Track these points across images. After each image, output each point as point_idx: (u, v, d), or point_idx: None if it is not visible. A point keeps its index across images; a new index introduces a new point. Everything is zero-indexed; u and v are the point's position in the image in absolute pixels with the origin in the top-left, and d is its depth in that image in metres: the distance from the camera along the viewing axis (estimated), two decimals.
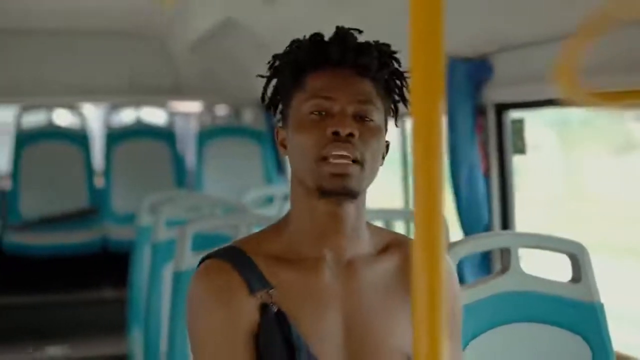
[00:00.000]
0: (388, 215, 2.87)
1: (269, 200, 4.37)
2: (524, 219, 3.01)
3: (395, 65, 1.41)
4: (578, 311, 1.94)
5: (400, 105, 1.45)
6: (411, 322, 1.41)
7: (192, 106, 5.93)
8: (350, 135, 1.33)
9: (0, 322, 4.72)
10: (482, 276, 2.65)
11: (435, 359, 0.75)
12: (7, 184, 5.47)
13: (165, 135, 5.62)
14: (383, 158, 1.41)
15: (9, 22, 5.33)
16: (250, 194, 4.26)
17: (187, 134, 6.11)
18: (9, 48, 5.58)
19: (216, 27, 4.33)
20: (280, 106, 1.44)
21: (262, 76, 1.44)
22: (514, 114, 2.75)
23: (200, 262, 1.40)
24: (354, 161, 1.33)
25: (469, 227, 2.77)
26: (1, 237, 5.15)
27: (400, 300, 1.40)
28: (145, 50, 5.70)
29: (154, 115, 5.83)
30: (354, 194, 1.35)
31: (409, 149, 3.83)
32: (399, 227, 2.89)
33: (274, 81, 1.44)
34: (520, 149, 2.73)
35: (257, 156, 5.40)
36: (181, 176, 5.57)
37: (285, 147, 1.42)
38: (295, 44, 1.42)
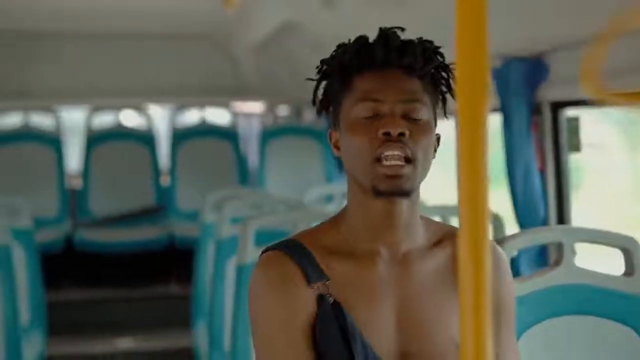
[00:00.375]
0: (444, 211, 2.91)
1: (329, 198, 4.43)
2: (584, 217, 3.02)
3: (440, 59, 1.43)
4: (630, 304, 1.94)
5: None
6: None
7: (255, 106, 6.02)
8: (401, 134, 1.36)
9: (72, 316, 4.84)
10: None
11: (481, 349, 0.78)
12: (77, 183, 5.62)
13: (228, 135, 5.72)
14: (435, 151, 1.44)
15: (79, 26, 5.49)
16: (311, 192, 4.32)
17: (249, 133, 6.20)
18: (79, 51, 5.73)
19: (277, 30, 4.39)
20: (330, 109, 1.47)
21: (311, 79, 1.48)
22: (570, 112, 2.78)
23: (261, 255, 1.46)
24: (407, 160, 1.36)
25: (525, 223, 2.81)
26: (72, 234, 5.29)
27: (453, 291, 1.44)
28: (209, 52, 5.80)
29: (218, 116, 5.93)
30: (407, 193, 1.39)
31: None
32: (455, 223, 2.92)
33: (323, 84, 1.47)
34: (576, 147, 2.75)
35: (317, 155, 5.45)
36: (244, 175, 5.66)
37: (338, 148, 1.45)
38: (342, 48, 1.45)
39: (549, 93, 2.72)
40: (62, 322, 4.62)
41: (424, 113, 1.40)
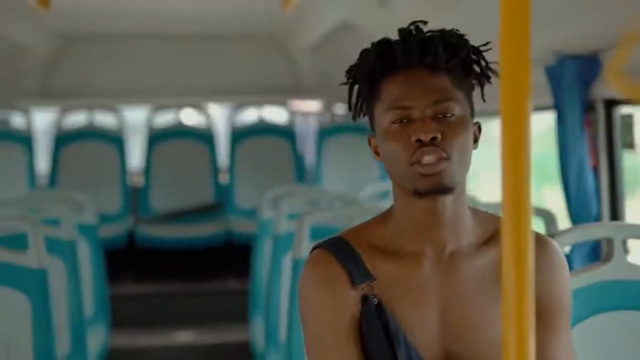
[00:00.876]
0: (497, 209, 2.91)
1: (384, 195, 4.46)
2: None
3: (466, 48, 1.40)
4: None
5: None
6: None
7: (312, 105, 6.07)
8: (434, 138, 1.35)
9: (133, 310, 4.94)
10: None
11: (523, 347, 0.80)
12: (139, 181, 5.74)
13: (286, 133, 5.77)
14: (476, 141, 1.43)
15: (141, 27, 5.60)
16: (366, 190, 4.35)
17: (306, 132, 6.26)
18: (141, 52, 5.84)
19: (333, 29, 4.43)
20: (365, 114, 1.47)
21: (344, 84, 1.47)
22: (624, 110, 2.77)
23: (311, 252, 1.49)
24: (443, 159, 1.36)
25: (578, 220, 2.81)
26: (134, 229, 5.42)
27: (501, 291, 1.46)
28: (268, 52, 5.85)
29: (275, 115, 6.00)
30: (448, 190, 1.38)
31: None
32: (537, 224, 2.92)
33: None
34: (629, 144, 2.75)
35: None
36: (301, 172, 5.71)
37: (378, 154, 1.45)
38: (365, 54, 1.43)
39: (602, 90, 2.72)
40: (124, 315, 4.72)
41: (456, 109, 1.38)
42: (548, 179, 4.22)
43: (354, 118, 1.49)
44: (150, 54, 5.82)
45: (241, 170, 5.67)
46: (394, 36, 1.43)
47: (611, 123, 2.78)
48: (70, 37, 5.63)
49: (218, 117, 6.23)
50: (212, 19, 5.32)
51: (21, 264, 2.66)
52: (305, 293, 1.45)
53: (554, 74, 2.81)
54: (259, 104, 5.80)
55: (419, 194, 1.38)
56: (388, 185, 4.71)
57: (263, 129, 5.77)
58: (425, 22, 1.42)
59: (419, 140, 1.36)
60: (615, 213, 2.83)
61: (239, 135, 5.74)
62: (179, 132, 5.75)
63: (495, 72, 1.42)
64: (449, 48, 1.39)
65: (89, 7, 4.85)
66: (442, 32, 1.40)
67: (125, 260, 5.39)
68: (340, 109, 5.87)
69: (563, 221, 2.89)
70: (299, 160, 5.75)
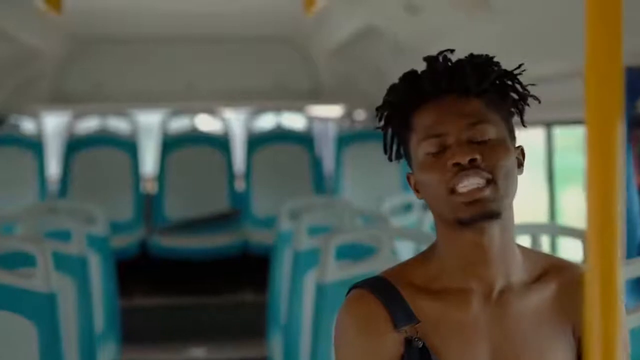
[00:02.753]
0: (532, 230, 2.77)
1: (407, 208, 4.33)
2: None
3: (497, 70, 1.35)
4: None
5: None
6: (567, 353, 1.36)
7: (331, 111, 5.95)
8: (472, 160, 1.29)
9: (145, 323, 4.84)
10: (635, 302, 2.52)
11: None
12: (152, 187, 5.63)
13: (304, 139, 5.65)
14: (521, 166, 1.36)
15: (156, 30, 5.50)
16: (389, 202, 4.23)
17: (325, 138, 6.14)
18: (156, 55, 5.75)
19: (357, 33, 4.32)
20: (402, 151, 1.42)
21: (378, 128, 1.43)
22: None
23: (349, 291, 1.41)
24: (486, 181, 1.29)
25: (621, 243, 2.64)
26: (147, 239, 5.30)
27: (556, 331, 1.36)
28: (286, 55, 5.75)
29: (294, 120, 5.88)
30: (494, 216, 1.30)
31: (555, 155, 3.69)
32: (545, 243, 2.78)
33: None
34: None
35: (395, 162, 5.34)
36: (319, 180, 5.59)
37: (418, 191, 1.39)
38: (392, 89, 1.39)
39: None
40: (136, 328, 4.65)
41: (492, 132, 1.32)
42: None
43: (390, 159, 1.44)
44: (165, 57, 5.73)
45: (258, 178, 5.55)
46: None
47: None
48: (82, 40, 5.54)
49: (234, 122, 6.09)
50: (228, 20, 5.23)
51: (28, 288, 2.53)
52: (344, 337, 1.38)
53: None
54: (277, 109, 5.68)
55: (462, 223, 1.31)
56: (411, 196, 4.61)
57: (281, 135, 5.66)
58: (452, 51, 1.37)
59: (456, 165, 1.30)
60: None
61: (256, 141, 5.63)
62: (194, 137, 5.64)
63: (533, 96, 1.38)
64: (478, 71, 1.34)
65: (101, 9, 4.75)
66: (471, 56, 1.36)
67: (138, 271, 5.29)
68: (361, 115, 5.75)
69: None
70: (317, 167, 5.64)
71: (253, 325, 4.59)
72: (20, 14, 4.07)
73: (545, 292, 1.37)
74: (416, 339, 1.33)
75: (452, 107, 1.33)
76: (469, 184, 1.28)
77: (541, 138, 3.66)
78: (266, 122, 5.78)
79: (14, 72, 5.25)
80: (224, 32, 5.59)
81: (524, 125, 1.37)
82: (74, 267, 3.22)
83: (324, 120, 6.20)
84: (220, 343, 4.72)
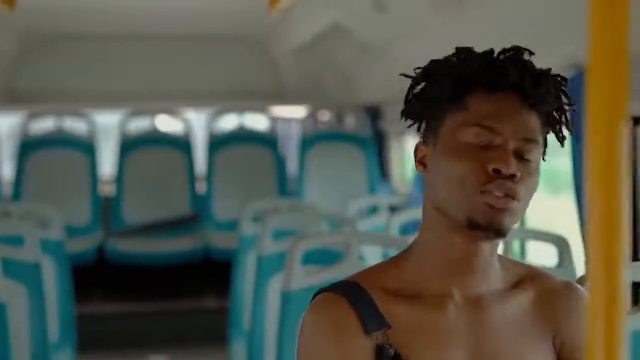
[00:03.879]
0: (537, 236, 2.72)
1: (372, 211, 4.26)
2: None
3: (564, 99, 1.28)
4: None
5: None
6: None
7: (295, 111, 5.90)
8: (512, 176, 1.22)
9: (104, 330, 4.76)
10: None
11: None
12: (111, 190, 5.52)
13: (267, 141, 5.59)
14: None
15: (115, 28, 5.41)
16: (355, 204, 4.15)
17: (289, 139, 6.09)
18: (114, 54, 5.66)
19: (322, 33, 4.27)
20: (423, 120, 1.31)
21: (407, 76, 1.31)
22: None
23: (315, 295, 1.34)
24: (516, 199, 1.24)
25: None
26: (104, 244, 5.19)
27: (535, 338, 1.32)
28: (248, 54, 5.71)
29: (257, 121, 5.81)
30: (503, 233, 1.24)
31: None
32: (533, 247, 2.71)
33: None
34: None
35: (360, 163, 5.31)
36: (283, 182, 5.53)
37: (424, 166, 1.30)
38: (462, 54, 1.28)
39: (630, 107, 2.50)
40: (92, 336, 4.52)
41: (536, 155, 1.26)
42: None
43: (404, 117, 1.33)
44: (124, 56, 5.65)
45: (220, 180, 5.47)
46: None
47: (636, 142, 2.57)
48: (36, 38, 5.43)
49: (196, 123, 6.00)
50: (190, 19, 5.16)
51: None
52: (310, 343, 1.30)
53: (572, 87, 2.57)
54: (240, 109, 5.61)
55: (471, 226, 1.24)
56: (377, 199, 4.53)
57: (243, 136, 5.58)
58: (532, 53, 1.28)
59: (496, 171, 1.22)
60: (637, 240, 2.60)
61: (218, 142, 5.55)
62: (154, 138, 5.55)
63: (570, 131, 1.33)
64: (557, 89, 1.27)
65: (57, 6, 4.64)
66: (555, 72, 1.28)
67: (95, 277, 5.17)
68: (325, 115, 5.68)
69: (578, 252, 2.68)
70: (281, 169, 5.58)
71: (215, 332, 4.48)
72: None
73: (523, 300, 1.33)
74: (388, 346, 1.26)
75: (514, 110, 1.25)
76: (504, 192, 1.22)
77: None
78: (229, 122, 5.71)
79: None
80: (185, 32, 5.53)
81: (544, 159, 1.30)
82: (26, 274, 3.10)
83: (288, 121, 6.14)
84: (181, 350, 4.65)
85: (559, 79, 1.28)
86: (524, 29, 2.65)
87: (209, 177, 5.47)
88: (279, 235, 3.23)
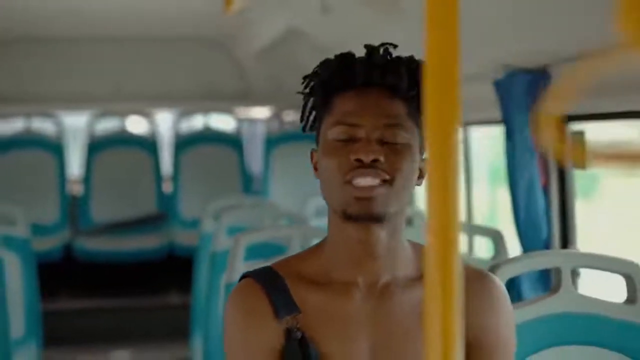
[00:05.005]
0: (473, 230, 2.84)
1: None
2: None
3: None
4: (633, 334, 1.87)
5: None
6: None
7: (260, 112, 5.96)
8: (375, 160, 1.28)
9: (69, 326, 4.80)
10: (541, 292, 2.58)
11: None
12: (78, 190, 5.58)
13: (232, 141, 5.66)
14: (422, 177, 1.36)
15: (82, 29, 5.44)
16: (313, 203, 4.25)
17: (254, 140, 6.14)
18: (81, 55, 5.69)
19: (280, 35, 4.34)
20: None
21: (301, 93, 1.40)
22: (575, 126, 2.67)
23: (239, 281, 1.41)
24: (382, 181, 1.29)
25: (528, 242, 2.70)
26: (72, 242, 5.25)
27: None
28: (214, 56, 5.75)
29: (222, 122, 5.87)
30: (380, 218, 1.30)
31: (471, 156, 3.75)
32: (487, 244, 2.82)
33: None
34: (580, 163, 2.65)
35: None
36: (248, 182, 5.60)
37: (317, 170, 1.38)
38: (325, 65, 1.37)
39: (550, 105, 2.61)
40: (58, 332, 4.59)
41: (403, 137, 1.31)
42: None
43: (303, 130, 1.42)
44: (91, 58, 5.69)
45: (185, 180, 5.55)
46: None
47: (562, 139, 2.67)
48: (5, 40, 5.46)
49: (163, 124, 6.06)
50: (157, 21, 5.21)
51: None
52: (229, 323, 1.38)
53: (503, 88, 2.70)
54: (205, 110, 5.67)
55: (347, 217, 1.31)
56: None
57: (209, 136, 5.66)
58: (395, 46, 1.36)
59: (358, 160, 1.29)
60: (566, 234, 2.73)
61: (184, 143, 5.62)
62: (121, 139, 5.62)
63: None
64: (412, 75, 1.33)
65: (24, 7, 4.67)
66: (409, 59, 1.35)
67: (62, 274, 5.24)
68: (290, 116, 5.77)
69: (512, 242, 2.79)
70: (245, 169, 5.65)
71: (177, 328, 4.56)
72: None
73: None
74: (295, 330, 1.34)
75: (375, 102, 1.32)
76: (365, 181, 1.28)
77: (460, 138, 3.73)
78: (195, 123, 5.77)
79: None
80: (152, 34, 5.57)
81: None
82: None
83: (253, 121, 6.21)
84: (144, 345, 4.71)
85: (412, 65, 1.33)
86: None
87: (175, 176, 5.54)
88: (237, 232, 3.31)
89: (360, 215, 1.30)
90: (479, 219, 3.96)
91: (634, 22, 0.63)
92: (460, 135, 3.24)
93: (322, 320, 1.35)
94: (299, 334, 1.34)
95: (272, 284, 1.37)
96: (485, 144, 4.05)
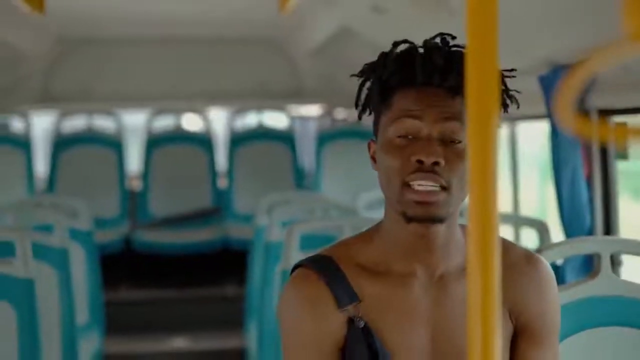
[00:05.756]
0: (519, 221, 2.92)
1: (381, 203, 4.40)
2: None
3: None
4: None
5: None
6: (504, 334, 1.40)
7: (312, 110, 6.06)
8: (436, 163, 1.29)
9: (128, 316, 4.95)
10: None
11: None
12: (137, 185, 5.75)
13: (285, 138, 5.76)
14: None
15: (142, 31, 5.60)
16: (363, 197, 4.33)
17: (306, 137, 6.25)
18: (141, 56, 5.84)
19: (332, 35, 4.42)
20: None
21: (356, 75, 1.40)
22: (617, 119, 2.74)
23: (293, 269, 1.42)
24: (441, 187, 1.30)
25: (571, 232, 2.77)
26: (131, 235, 5.42)
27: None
28: (268, 56, 5.83)
29: (275, 119, 5.98)
30: (439, 220, 1.32)
31: (518, 149, 3.82)
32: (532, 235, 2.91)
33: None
34: (623, 155, 2.72)
35: None
36: (300, 177, 5.70)
37: (375, 161, 1.38)
38: (383, 59, 1.36)
39: (596, 100, 2.69)
40: (119, 321, 4.73)
41: (463, 135, 1.31)
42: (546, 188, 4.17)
43: (359, 117, 1.42)
44: (150, 58, 5.82)
45: (240, 176, 5.66)
46: (391, 42, 1.37)
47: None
48: (69, 42, 5.64)
49: (217, 121, 6.20)
50: (211, 22, 5.32)
51: (7, 273, 2.64)
52: (286, 313, 1.39)
53: (547, 84, 2.77)
54: (259, 108, 5.79)
55: (407, 219, 1.33)
56: None
57: (262, 133, 5.77)
58: (454, 37, 1.35)
59: (419, 162, 1.30)
60: (609, 224, 2.80)
61: (238, 140, 5.74)
62: (178, 136, 5.75)
63: (516, 101, 1.38)
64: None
65: (87, 11, 4.85)
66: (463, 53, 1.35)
67: (122, 265, 5.40)
68: (341, 113, 5.86)
69: (556, 231, 2.87)
70: (298, 165, 5.75)
71: (232, 318, 4.67)
72: (8, 17, 4.17)
73: None
74: (358, 319, 1.34)
75: (436, 99, 1.32)
76: (425, 185, 1.29)
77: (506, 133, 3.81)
78: (249, 121, 5.88)
79: (3, 73, 5.34)
80: (209, 35, 5.67)
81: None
82: (55, 258, 3.29)
83: (305, 119, 6.30)
84: (201, 335, 4.81)
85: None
86: (503, 29, 2.82)
87: (230, 172, 5.66)
88: (290, 224, 3.41)
89: (420, 218, 1.31)
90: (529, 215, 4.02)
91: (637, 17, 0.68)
92: (507, 130, 3.31)
93: (382, 309, 1.35)
94: (362, 323, 1.34)
95: (329, 272, 1.36)
96: (537, 141, 4.11)
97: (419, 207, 1.30)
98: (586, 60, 0.75)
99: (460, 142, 1.31)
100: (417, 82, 1.34)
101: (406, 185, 1.30)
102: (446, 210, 1.31)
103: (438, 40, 1.37)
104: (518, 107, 1.39)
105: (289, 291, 1.39)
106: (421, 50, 1.36)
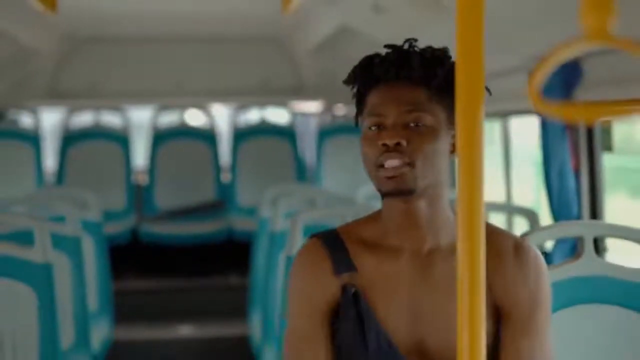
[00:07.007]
0: (511, 210, 3.06)
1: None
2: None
3: (445, 64, 1.50)
4: None
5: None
6: (486, 315, 1.44)
7: (313, 106, 6.17)
8: (398, 144, 1.47)
9: (136, 304, 5.07)
10: None
11: (475, 341, 0.85)
12: (143, 179, 5.88)
13: (287, 133, 5.90)
14: (454, 151, 1.51)
15: (146, 30, 5.70)
16: (363, 190, 4.45)
17: (307, 132, 6.38)
18: (146, 54, 5.94)
19: (333, 33, 4.52)
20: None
21: (348, 84, 1.59)
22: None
23: (307, 239, 1.61)
24: (406, 164, 1.47)
25: (560, 219, 2.92)
26: (138, 227, 5.55)
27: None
28: (270, 54, 5.94)
29: (277, 115, 6.11)
30: (408, 192, 1.48)
31: (510, 143, 3.95)
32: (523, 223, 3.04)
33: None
34: (609, 147, 2.86)
35: None
36: (301, 172, 5.83)
37: None
38: (353, 70, 1.56)
39: (583, 95, 2.83)
40: (127, 309, 4.85)
41: (426, 119, 1.49)
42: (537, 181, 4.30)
43: (356, 125, 1.60)
44: (155, 56, 5.90)
45: (243, 170, 5.79)
46: (390, 41, 1.55)
47: (591, 127, 2.88)
48: (78, 40, 5.74)
49: (221, 117, 6.32)
50: (215, 21, 5.40)
51: (28, 259, 2.76)
52: (294, 274, 1.58)
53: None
54: (261, 104, 5.91)
55: (384, 195, 1.52)
56: None
57: (264, 129, 5.90)
58: (415, 40, 1.52)
59: (385, 145, 1.48)
60: (595, 213, 2.94)
61: (241, 135, 5.87)
62: (182, 132, 5.88)
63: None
64: (425, 63, 1.50)
65: (95, 10, 4.96)
66: (423, 49, 1.52)
67: (129, 256, 5.52)
68: (341, 109, 5.97)
69: (546, 220, 3.01)
70: (299, 160, 5.87)
71: (236, 306, 4.79)
72: (19, 15, 4.27)
73: None
74: (350, 286, 1.53)
75: (397, 93, 1.50)
76: (391, 163, 1.47)
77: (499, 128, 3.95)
78: (251, 116, 6.01)
79: (13, 69, 5.43)
80: (212, 33, 5.76)
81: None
82: (69, 246, 3.41)
83: (306, 115, 6.42)
84: (206, 322, 4.92)
85: (426, 55, 1.50)
86: (495, 29, 2.93)
87: (233, 167, 5.81)
88: (293, 215, 3.52)
89: (390, 192, 1.49)
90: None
91: (595, 16, 0.76)
92: (500, 125, 3.41)
93: (373, 279, 1.53)
94: (352, 289, 1.52)
95: (334, 244, 1.56)
96: (531, 135, 4.23)
97: (389, 182, 1.48)
98: (550, 54, 0.84)
99: (423, 125, 1.49)
100: (380, 79, 1.52)
101: (379, 166, 1.48)
102: (413, 183, 1.48)
103: (406, 46, 1.53)
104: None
105: (299, 255, 1.59)
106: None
